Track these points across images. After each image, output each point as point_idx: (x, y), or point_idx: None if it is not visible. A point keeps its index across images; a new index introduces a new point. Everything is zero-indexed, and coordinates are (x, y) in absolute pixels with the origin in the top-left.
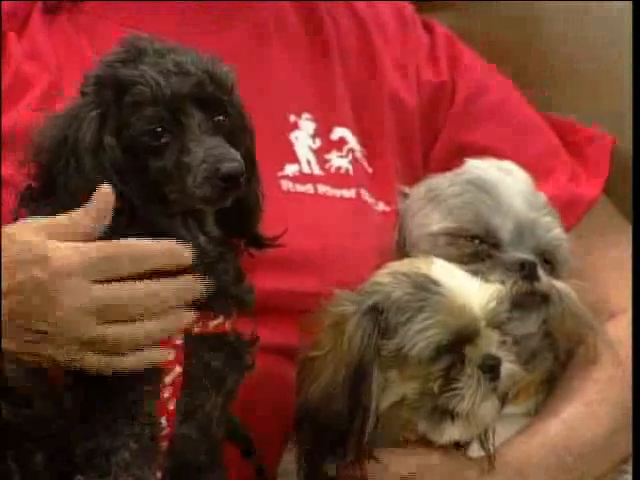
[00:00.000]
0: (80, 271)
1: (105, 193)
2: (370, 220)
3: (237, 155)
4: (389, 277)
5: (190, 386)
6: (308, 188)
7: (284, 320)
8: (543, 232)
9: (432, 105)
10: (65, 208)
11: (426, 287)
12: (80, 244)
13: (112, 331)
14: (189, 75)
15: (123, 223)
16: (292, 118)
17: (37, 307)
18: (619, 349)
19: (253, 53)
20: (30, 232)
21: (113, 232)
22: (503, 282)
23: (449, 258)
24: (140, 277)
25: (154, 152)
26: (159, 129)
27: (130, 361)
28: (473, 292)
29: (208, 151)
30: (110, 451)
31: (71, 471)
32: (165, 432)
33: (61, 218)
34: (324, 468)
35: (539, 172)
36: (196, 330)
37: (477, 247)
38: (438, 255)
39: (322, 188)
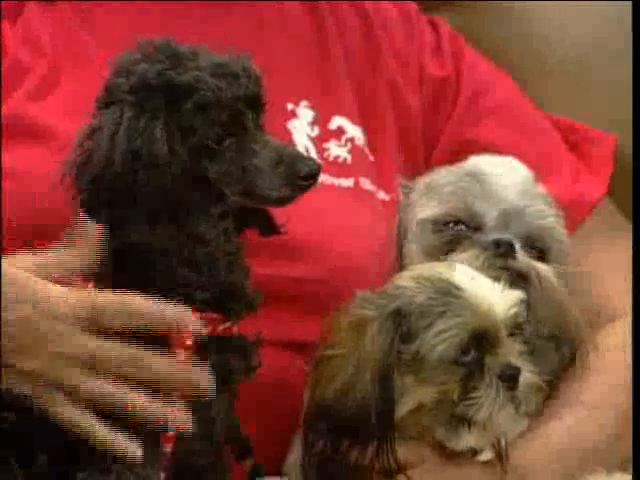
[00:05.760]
0: (69, 317)
1: (93, 229)
2: (369, 209)
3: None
4: (412, 281)
5: None
6: None
7: (279, 307)
8: (532, 219)
9: (435, 101)
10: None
11: (448, 292)
12: (71, 290)
13: (90, 385)
14: (238, 77)
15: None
16: (290, 107)
17: (27, 347)
18: (621, 353)
19: (252, 41)
20: (22, 270)
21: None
22: (477, 257)
23: (433, 245)
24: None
25: (214, 155)
26: (221, 132)
27: (101, 432)
28: (495, 298)
29: (279, 152)
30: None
31: (74, 471)
32: (170, 433)
33: (49, 255)
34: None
35: (542, 171)
36: (204, 332)
37: (459, 233)
38: (424, 242)
39: (320, 177)
